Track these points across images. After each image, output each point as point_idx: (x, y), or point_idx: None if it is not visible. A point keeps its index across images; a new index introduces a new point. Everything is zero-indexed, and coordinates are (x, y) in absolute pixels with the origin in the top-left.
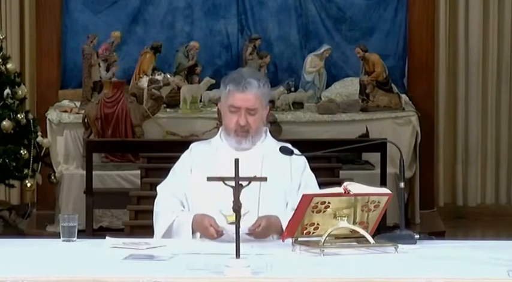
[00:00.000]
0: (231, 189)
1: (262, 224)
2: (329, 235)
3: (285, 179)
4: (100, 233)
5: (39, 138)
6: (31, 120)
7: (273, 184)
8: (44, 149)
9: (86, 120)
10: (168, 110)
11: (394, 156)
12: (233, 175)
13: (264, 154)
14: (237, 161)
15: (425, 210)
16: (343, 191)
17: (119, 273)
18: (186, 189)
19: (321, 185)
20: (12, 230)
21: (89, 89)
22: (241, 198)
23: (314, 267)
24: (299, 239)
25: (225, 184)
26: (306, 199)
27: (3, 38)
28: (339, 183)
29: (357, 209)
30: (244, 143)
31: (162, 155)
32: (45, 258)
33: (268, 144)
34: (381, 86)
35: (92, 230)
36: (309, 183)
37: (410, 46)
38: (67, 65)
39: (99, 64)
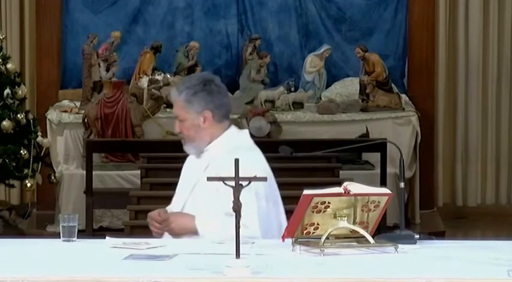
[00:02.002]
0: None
1: (170, 218)
2: (329, 235)
3: (218, 188)
4: (100, 233)
5: (39, 138)
6: (31, 120)
7: (204, 190)
8: (44, 149)
9: (86, 120)
10: (168, 110)
11: (394, 156)
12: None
13: (210, 161)
14: (237, 161)
15: (425, 210)
16: (343, 191)
17: (119, 273)
18: None
19: (321, 185)
20: (12, 230)
21: (89, 89)
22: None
23: (314, 267)
24: (299, 239)
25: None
26: (306, 199)
27: (3, 38)
28: (339, 183)
29: (357, 209)
30: (186, 148)
31: (162, 155)
32: (45, 258)
33: (218, 151)
34: (381, 86)
35: (92, 230)
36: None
37: (410, 46)
38: (67, 65)
39: (99, 64)
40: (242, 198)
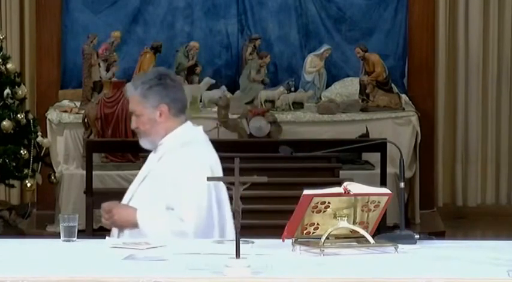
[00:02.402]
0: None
1: (113, 210)
2: (329, 235)
3: (165, 180)
4: (100, 233)
5: (39, 138)
6: (31, 120)
7: (151, 183)
8: (44, 149)
9: (86, 120)
10: None
11: (394, 156)
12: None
13: (164, 153)
14: (237, 161)
15: (425, 210)
16: (343, 191)
17: (119, 273)
18: None
19: (321, 185)
20: (12, 230)
21: (89, 89)
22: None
23: (314, 267)
24: (299, 239)
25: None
26: (306, 199)
27: (3, 38)
28: (339, 183)
29: (357, 209)
30: (142, 143)
31: None
32: (45, 258)
33: (171, 144)
34: (381, 86)
35: (92, 230)
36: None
37: (410, 46)
38: (67, 65)
39: (99, 64)
40: (184, 192)
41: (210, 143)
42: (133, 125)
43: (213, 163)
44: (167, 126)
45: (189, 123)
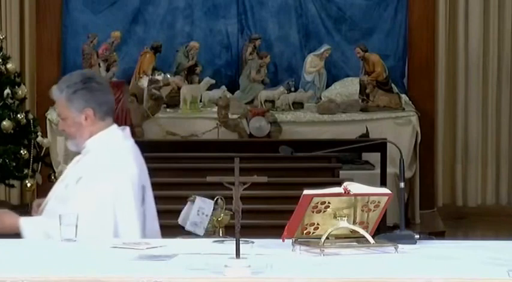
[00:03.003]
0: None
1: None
2: (329, 235)
3: (72, 183)
4: None
5: (39, 138)
6: (31, 120)
7: (61, 187)
8: (44, 149)
9: None
10: (168, 110)
11: (394, 156)
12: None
13: (81, 158)
14: (237, 161)
15: (425, 210)
16: (343, 191)
17: (118, 273)
18: None
19: (321, 185)
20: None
21: None
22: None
23: (314, 267)
24: (299, 239)
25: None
26: (306, 199)
27: (3, 38)
28: (339, 183)
29: (357, 209)
30: (68, 145)
31: (162, 155)
32: (45, 258)
33: (92, 148)
34: (381, 86)
35: None
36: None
37: (410, 46)
38: (67, 65)
39: (99, 64)
40: (78, 201)
41: (134, 146)
42: (60, 127)
43: (128, 168)
44: (92, 130)
45: (114, 126)
